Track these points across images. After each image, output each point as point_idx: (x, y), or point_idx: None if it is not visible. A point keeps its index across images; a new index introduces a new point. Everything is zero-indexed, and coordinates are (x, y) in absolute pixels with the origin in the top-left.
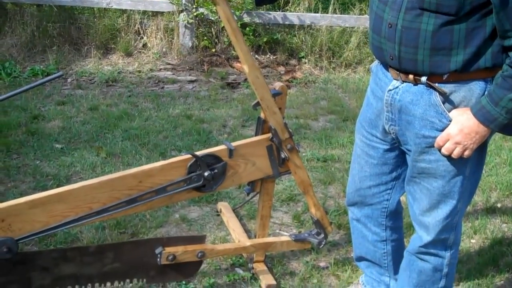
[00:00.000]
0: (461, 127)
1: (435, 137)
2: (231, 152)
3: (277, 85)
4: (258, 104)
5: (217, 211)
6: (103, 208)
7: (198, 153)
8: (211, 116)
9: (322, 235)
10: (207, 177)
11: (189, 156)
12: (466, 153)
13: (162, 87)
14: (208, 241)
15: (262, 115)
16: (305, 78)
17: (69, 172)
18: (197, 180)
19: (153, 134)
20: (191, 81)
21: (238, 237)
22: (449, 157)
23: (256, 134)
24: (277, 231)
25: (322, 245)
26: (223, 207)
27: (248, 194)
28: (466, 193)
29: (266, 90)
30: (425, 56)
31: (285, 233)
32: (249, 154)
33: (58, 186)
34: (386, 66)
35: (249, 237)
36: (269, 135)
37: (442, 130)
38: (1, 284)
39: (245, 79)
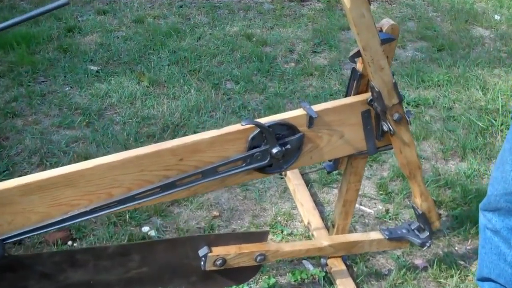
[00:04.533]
0: None
1: None
2: (311, 120)
3: (385, 24)
4: (357, 55)
5: (281, 174)
6: (128, 196)
7: (264, 120)
8: (276, 37)
9: (427, 233)
10: (275, 154)
11: (251, 125)
12: None
13: None
14: (268, 216)
15: (358, 67)
16: None
17: (103, 105)
18: (261, 159)
19: (206, 58)
20: None
21: (307, 215)
22: None
23: (347, 94)
24: (357, 206)
25: (426, 247)
26: (290, 170)
27: (328, 172)
28: None
29: (373, 35)
30: None
31: (369, 210)
32: (336, 122)
33: (87, 124)
34: None
35: (321, 213)
36: (367, 96)
37: None
38: None
39: None
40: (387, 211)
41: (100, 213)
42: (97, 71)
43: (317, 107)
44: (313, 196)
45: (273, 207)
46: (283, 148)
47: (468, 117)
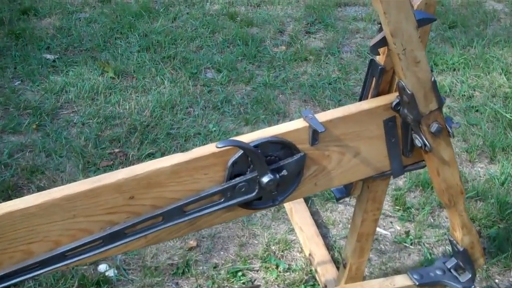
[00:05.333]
0: None
1: None
2: (315, 135)
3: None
4: (382, 43)
5: None
6: (56, 254)
7: (249, 138)
8: (263, 16)
9: (468, 275)
10: (266, 184)
11: (230, 146)
12: None
13: None
14: (259, 245)
15: (379, 59)
16: None
17: (58, 102)
18: (246, 191)
19: (183, 43)
20: None
21: (308, 244)
22: None
23: (363, 96)
24: None
25: None
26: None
27: (338, 200)
28: None
29: (406, 15)
30: None
31: (385, 231)
32: (349, 135)
33: (37, 127)
34: None
35: (325, 238)
36: (392, 98)
37: None
38: None
39: None
40: (407, 232)
41: (14, 281)
42: (53, 61)
43: (323, 116)
44: (314, 215)
45: (265, 232)
46: (277, 176)
47: (493, 107)
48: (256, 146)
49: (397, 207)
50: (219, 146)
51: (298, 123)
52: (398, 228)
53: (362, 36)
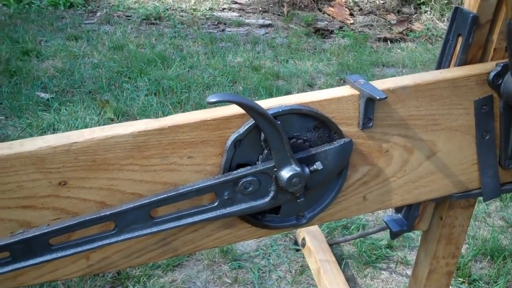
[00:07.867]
0: None
1: None
2: (369, 110)
3: None
4: None
5: (296, 243)
6: None
7: (267, 103)
8: (291, 70)
9: None
10: (288, 183)
11: (230, 108)
12: None
13: (223, 30)
14: None
15: (470, 4)
16: (427, 31)
17: None
18: (255, 192)
19: (197, 89)
20: (264, 26)
21: None
22: None
23: (441, 64)
24: None
25: None
26: (311, 237)
27: (395, 235)
28: None
29: None
30: None
31: None
32: (421, 121)
33: None
34: None
35: None
36: (488, 66)
37: None
38: None
39: (340, 27)
40: None
41: None
42: (47, 100)
43: (382, 84)
44: (349, 282)
45: None
46: (307, 170)
47: None
48: (276, 116)
49: (459, 279)
50: (212, 100)
51: (342, 90)
52: None
53: None
